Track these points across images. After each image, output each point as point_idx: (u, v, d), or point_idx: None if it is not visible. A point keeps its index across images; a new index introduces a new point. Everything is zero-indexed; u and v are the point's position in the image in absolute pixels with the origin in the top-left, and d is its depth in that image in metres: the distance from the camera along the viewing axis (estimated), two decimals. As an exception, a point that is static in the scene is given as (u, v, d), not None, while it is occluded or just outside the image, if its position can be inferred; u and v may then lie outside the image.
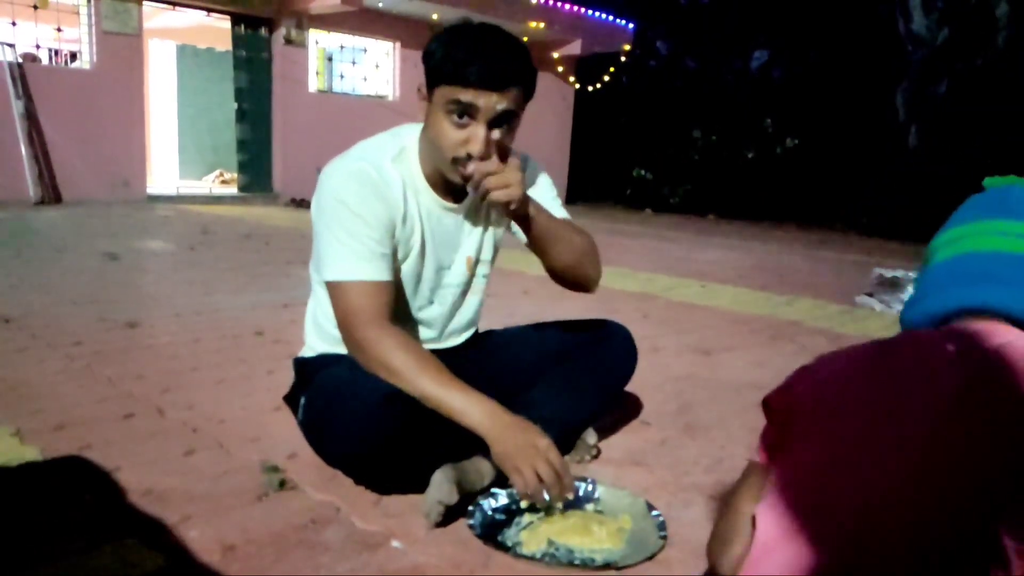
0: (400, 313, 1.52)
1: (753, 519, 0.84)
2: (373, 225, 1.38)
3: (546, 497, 1.27)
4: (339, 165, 1.42)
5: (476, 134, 1.32)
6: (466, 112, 1.31)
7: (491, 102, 1.30)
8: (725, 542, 0.89)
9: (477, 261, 1.59)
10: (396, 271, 1.46)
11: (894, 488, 0.71)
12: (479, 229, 1.57)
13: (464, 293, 1.61)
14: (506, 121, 1.34)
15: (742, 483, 0.92)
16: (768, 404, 0.90)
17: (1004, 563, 0.66)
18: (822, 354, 0.91)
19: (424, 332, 1.59)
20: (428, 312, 1.57)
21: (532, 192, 1.59)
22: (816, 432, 0.81)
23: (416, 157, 1.47)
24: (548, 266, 1.53)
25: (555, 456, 1.29)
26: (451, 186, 1.47)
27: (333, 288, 1.39)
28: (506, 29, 1.38)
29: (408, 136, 1.48)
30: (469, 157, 1.33)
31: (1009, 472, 0.68)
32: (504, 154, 1.39)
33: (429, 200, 1.48)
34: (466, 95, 1.30)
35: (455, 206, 1.51)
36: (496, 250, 1.64)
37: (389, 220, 1.41)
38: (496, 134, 1.34)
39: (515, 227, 1.62)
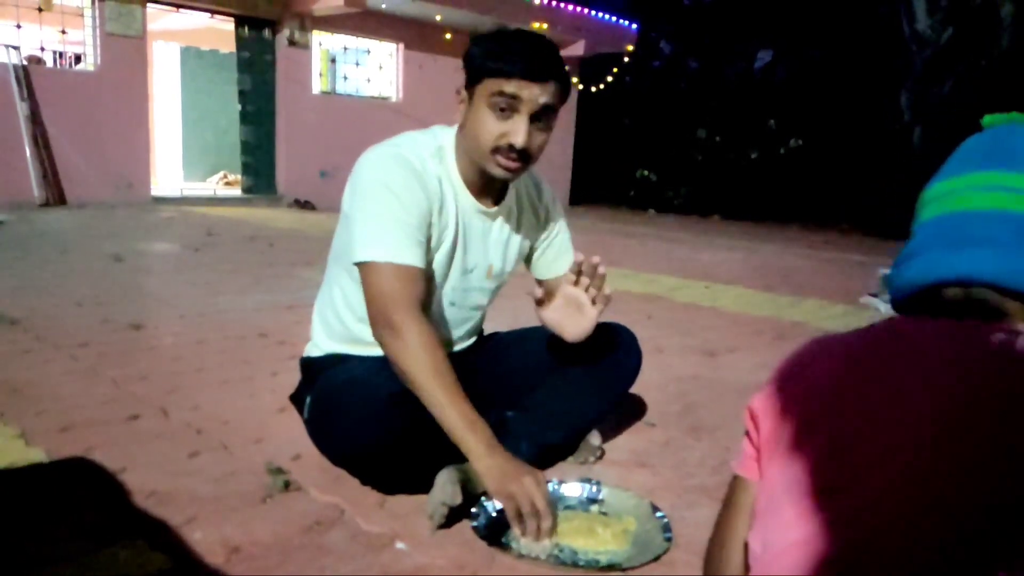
0: (425, 308, 1.53)
1: (745, 545, 0.81)
2: (412, 211, 1.38)
3: (535, 525, 1.25)
4: (379, 151, 1.43)
5: (518, 126, 1.35)
6: (510, 104, 1.34)
7: (534, 94, 1.34)
8: (721, 568, 0.85)
9: (500, 271, 1.60)
10: (428, 263, 1.46)
11: (891, 507, 0.69)
12: (504, 239, 1.58)
13: (482, 300, 1.62)
14: (545, 116, 1.38)
15: (731, 503, 0.87)
16: (753, 411, 0.83)
17: None
18: (804, 347, 0.84)
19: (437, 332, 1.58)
20: (446, 313, 1.57)
21: (542, 218, 1.66)
22: (807, 441, 0.76)
23: (453, 157, 1.48)
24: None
25: (544, 492, 1.28)
26: (487, 189, 1.48)
27: (367, 269, 1.37)
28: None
29: (444, 136, 1.49)
30: (510, 147, 1.36)
31: (1012, 487, 0.65)
32: (538, 154, 1.43)
33: (465, 199, 1.49)
34: (510, 86, 1.33)
35: (488, 210, 1.52)
36: (517, 263, 1.65)
37: (427, 207, 1.41)
38: (535, 131, 1.38)
39: (533, 267, 1.70)
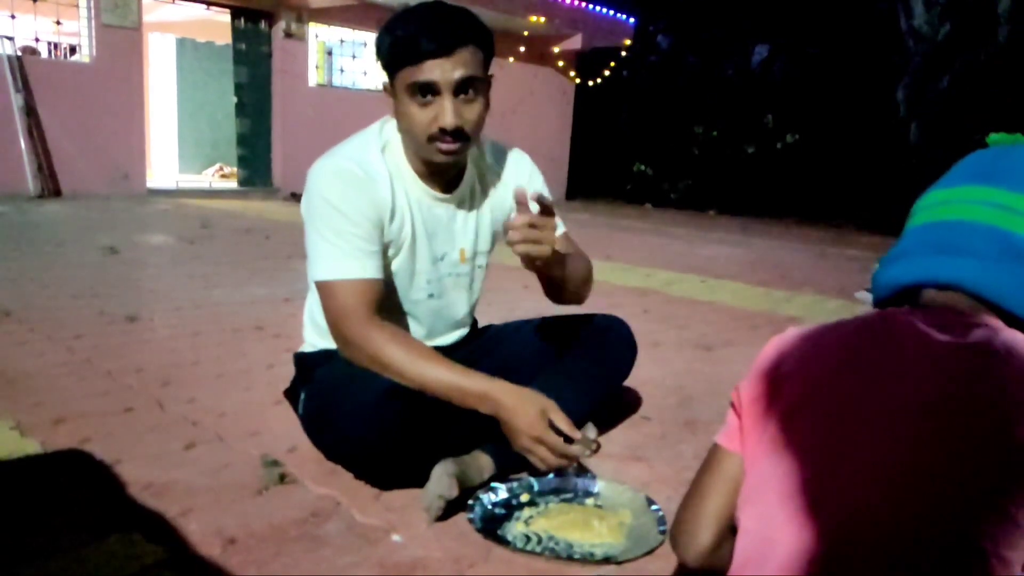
0: (396, 308, 1.52)
1: (735, 520, 0.84)
2: (360, 223, 1.37)
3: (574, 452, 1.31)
4: (325, 164, 1.41)
5: (443, 108, 1.33)
6: (428, 90, 1.32)
7: (446, 71, 1.30)
8: (691, 533, 0.88)
9: (473, 253, 1.59)
10: (387, 267, 1.46)
11: (877, 490, 0.71)
12: (472, 220, 1.56)
13: (462, 286, 1.61)
14: (469, 87, 1.34)
15: (707, 471, 0.90)
16: (739, 393, 0.87)
17: (985, 566, 0.66)
18: (791, 334, 0.86)
19: (420, 327, 1.58)
20: (426, 306, 1.56)
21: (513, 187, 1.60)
22: (794, 427, 0.79)
23: (401, 149, 1.46)
24: (544, 288, 1.55)
25: (560, 419, 1.30)
26: (439, 175, 1.47)
27: (322, 288, 1.39)
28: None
29: (391, 129, 1.48)
30: (443, 132, 1.34)
31: (990, 474, 0.68)
32: (477, 128, 1.39)
33: (418, 191, 1.47)
34: (421, 74, 1.30)
35: (446, 196, 1.50)
36: (493, 241, 1.63)
37: (377, 217, 1.40)
38: (464, 105, 1.34)
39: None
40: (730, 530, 0.86)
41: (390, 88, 1.38)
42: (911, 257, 0.84)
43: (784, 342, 0.85)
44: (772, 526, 0.76)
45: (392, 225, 1.44)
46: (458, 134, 1.35)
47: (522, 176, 1.60)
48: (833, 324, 0.85)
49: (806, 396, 0.79)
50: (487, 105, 1.41)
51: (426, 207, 1.48)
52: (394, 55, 1.33)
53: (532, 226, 1.26)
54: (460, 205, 1.53)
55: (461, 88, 1.33)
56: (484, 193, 1.58)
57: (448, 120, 1.32)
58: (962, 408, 0.70)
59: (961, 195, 0.82)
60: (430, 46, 1.29)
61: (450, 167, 1.45)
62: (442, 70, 1.30)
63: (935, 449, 0.70)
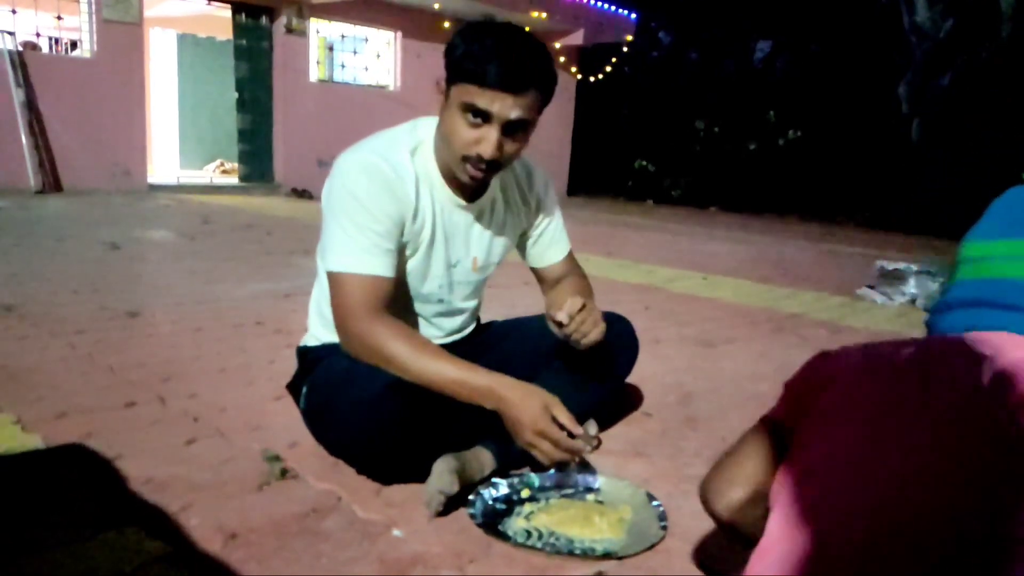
0: (406, 309, 1.52)
1: (767, 508, 0.85)
2: (380, 219, 1.37)
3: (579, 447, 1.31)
4: (353, 156, 1.41)
5: (489, 137, 1.32)
6: (480, 115, 1.30)
7: (506, 107, 1.29)
8: (724, 487, 0.92)
9: (485, 264, 1.59)
10: (402, 267, 1.46)
11: (904, 491, 0.72)
12: (489, 232, 1.56)
13: (471, 292, 1.61)
14: (520, 128, 1.34)
15: (750, 436, 0.94)
16: (785, 387, 0.92)
17: (1013, 563, 0.66)
18: (846, 347, 0.91)
19: (428, 329, 1.58)
20: (435, 308, 1.56)
21: (533, 206, 1.64)
22: (833, 426, 0.82)
23: (432, 152, 1.46)
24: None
25: (563, 415, 1.29)
26: (464, 183, 1.47)
27: (333, 279, 1.39)
28: (507, 18, 1.37)
29: (425, 130, 1.47)
30: (479, 159, 1.34)
31: (1017, 482, 0.68)
32: (511, 161, 1.40)
33: (443, 195, 1.47)
34: (482, 99, 1.28)
35: (468, 204, 1.50)
36: (504, 255, 1.64)
37: (399, 216, 1.39)
38: (508, 140, 1.34)
39: (526, 256, 1.69)
40: (761, 499, 0.89)
41: (444, 89, 1.36)
42: (959, 311, 0.89)
43: (837, 350, 0.91)
44: (799, 520, 0.77)
45: (413, 226, 1.43)
46: (491, 164, 1.36)
47: (544, 201, 1.64)
48: (890, 340, 0.90)
49: (846, 398, 0.83)
50: (528, 140, 1.41)
51: (448, 211, 1.49)
52: (462, 67, 1.30)
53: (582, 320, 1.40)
54: (480, 215, 1.54)
55: (513, 127, 1.32)
56: (504, 207, 1.58)
57: (489, 152, 1.32)
58: (995, 414, 0.71)
59: (1000, 251, 0.89)
60: (500, 78, 1.27)
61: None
62: (502, 105, 1.29)
63: (972, 450, 0.71)
